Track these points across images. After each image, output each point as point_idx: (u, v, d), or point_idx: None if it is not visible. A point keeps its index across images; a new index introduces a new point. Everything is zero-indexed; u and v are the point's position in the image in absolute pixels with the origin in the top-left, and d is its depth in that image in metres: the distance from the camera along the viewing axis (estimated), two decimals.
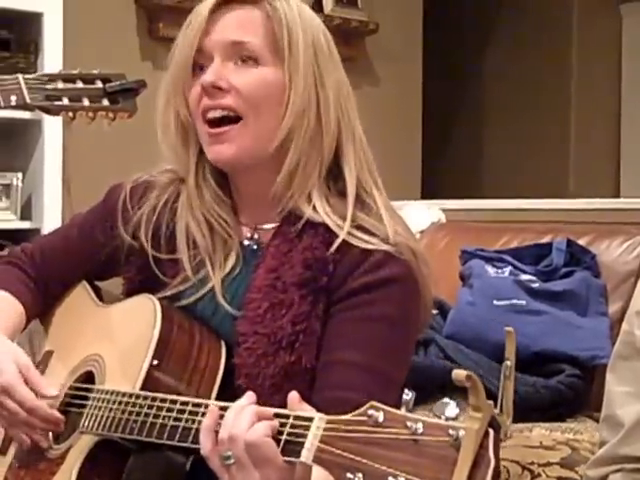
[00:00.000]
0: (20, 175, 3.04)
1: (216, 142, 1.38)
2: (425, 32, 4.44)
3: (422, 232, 2.69)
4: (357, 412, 1.04)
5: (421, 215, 2.77)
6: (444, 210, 2.90)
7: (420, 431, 0.98)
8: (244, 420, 1.13)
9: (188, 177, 1.44)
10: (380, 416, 1.02)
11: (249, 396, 1.19)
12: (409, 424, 0.99)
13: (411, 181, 4.28)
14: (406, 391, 1.04)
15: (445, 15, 4.88)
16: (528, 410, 2.05)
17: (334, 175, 1.41)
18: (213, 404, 1.20)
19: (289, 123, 1.37)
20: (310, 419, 1.08)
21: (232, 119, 1.38)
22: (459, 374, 0.94)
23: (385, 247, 1.34)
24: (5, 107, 1.67)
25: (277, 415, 1.13)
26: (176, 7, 3.48)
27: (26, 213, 3.05)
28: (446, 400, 0.99)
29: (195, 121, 1.41)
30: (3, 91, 1.65)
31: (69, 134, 3.01)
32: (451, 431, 0.96)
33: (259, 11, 1.39)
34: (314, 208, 1.38)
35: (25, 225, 3.04)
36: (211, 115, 1.38)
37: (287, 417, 1.11)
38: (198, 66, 1.40)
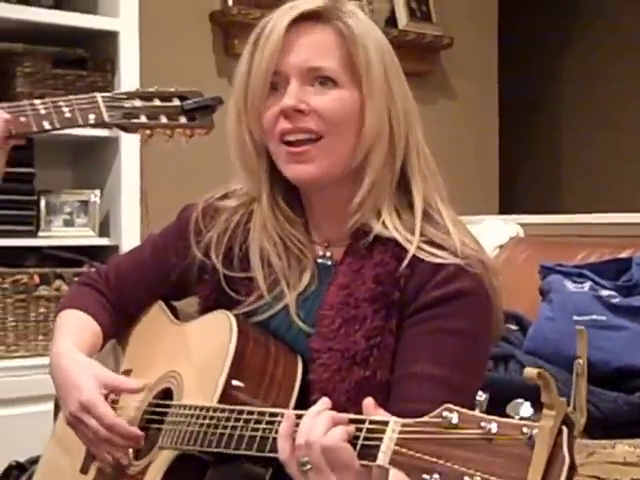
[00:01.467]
0: (98, 192, 3.08)
1: (296, 161, 1.39)
2: (500, 45, 4.40)
3: (501, 247, 2.67)
4: (432, 414, 1.06)
5: (499, 230, 2.75)
6: (522, 225, 2.87)
7: (494, 431, 1.00)
8: (320, 425, 1.15)
9: (261, 197, 1.45)
10: (454, 417, 1.04)
11: (324, 402, 1.20)
12: (483, 424, 1.01)
13: (489, 195, 4.24)
14: (480, 393, 1.06)
15: (521, 27, 4.83)
16: (611, 426, 2.03)
17: (401, 188, 1.42)
18: (288, 412, 1.22)
19: (368, 142, 1.38)
20: (385, 423, 1.10)
21: (312, 139, 1.38)
22: (530, 372, 0.95)
23: (455, 260, 1.35)
24: (84, 125, 1.69)
25: (352, 420, 1.14)
26: (251, 23, 3.44)
27: (104, 230, 3.09)
28: (520, 400, 1.00)
29: (269, 140, 1.42)
30: (82, 110, 1.68)
31: (146, 151, 3.04)
32: (525, 429, 0.97)
33: (332, 29, 1.39)
34: (383, 223, 1.39)
35: (103, 242, 3.06)
36: (291, 138, 1.39)
37: (362, 422, 1.13)
38: (271, 85, 1.40)
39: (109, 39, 3.01)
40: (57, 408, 1.77)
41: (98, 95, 1.70)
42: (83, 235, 3.06)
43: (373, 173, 1.38)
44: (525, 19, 4.77)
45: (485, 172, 4.29)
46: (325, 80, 1.38)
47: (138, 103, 1.71)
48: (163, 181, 3.31)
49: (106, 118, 1.69)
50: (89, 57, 3.05)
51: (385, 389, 1.33)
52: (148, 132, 1.71)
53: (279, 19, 1.39)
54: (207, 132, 1.73)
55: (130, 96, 1.72)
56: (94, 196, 3.07)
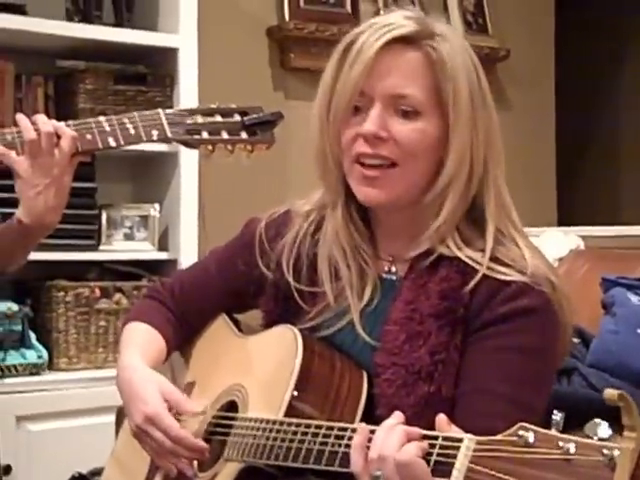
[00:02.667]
0: (157, 206, 3.10)
1: (368, 184, 1.39)
2: (557, 56, 4.37)
3: (561, 259, 2.65)
4: (507, 432, 1.05)
5: (559, 242, 2.72)
6: (582, 237, 2.84)
7: (572, 451, 0.98)
8: (394, 440, 1.15)
9: (336, 206, 1.45)
10: (530, 436, 1.02)
11: (397, 416, 1.20)
12: (561, 444, 0.99)
13: (546, 207, 4.20)
14: (555, 411, 1.05)
15: (578, 37, 4.79)
16: None
17: (474, 213, 1.42)
18: (361, 425, 1.22)
19: (450, 174, 1.38)
20: (460, 440, 1.09)
21: (386, 165, 1.39)
22: (611, 394, 0.95)
23: (522, 278, 1.34)
24: (147, 142, 1.71)
25: (425, 436, 1.14)
26: (306, 38, 3.53)
27: (163, 244, 3.11)
28: (598, 420, 0.99)
29: (344, 156, 1.42)
30: (145, 126, 1.70)
31: (205, 166, 3.06)
32: (605, 451, 0.96)
33: (422, 55, 1.38)
34: (447, 247, 1.39)
35: (162, 256, 3.08)
36: (367, 162, 1.39)
37: (435, 438, 1.13)
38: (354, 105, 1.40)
39: (169, 55, 3.05)
40: (119, 420, 1.80)
41: (161, 111, 1.72)
42: (142, 249, 3.09)
43: (452, 204, 1.38)
44: (582, 29, 4.73)
45: (543, 183, 4.25)
46: (408, 110, 1.37)
47: (200, 119, 1.73)
48: (221, 195, 3.33)
49: (169, 134, 1.71)
50: (149, 73, 3.08)
51: (450, 404, 1.33)
52: (210, 148, 1.73)
53: (370, 37, 1.37)
54: (268, 147, 1.74)
55: (192, 112, 1.74)
56: (154, 210, 3.10)
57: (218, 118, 1.73)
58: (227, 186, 3.35)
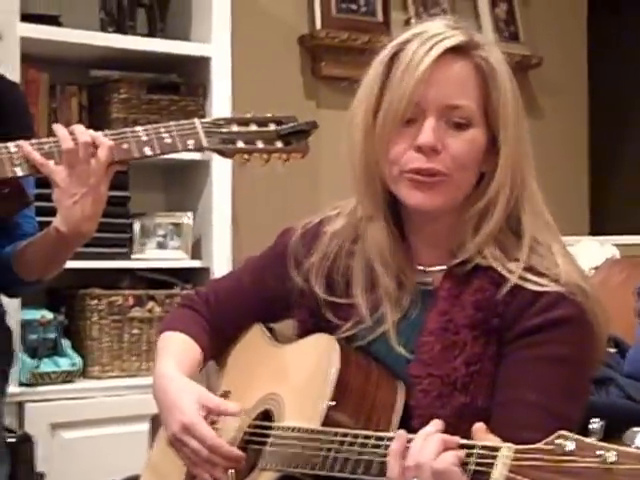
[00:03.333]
0: (190, 214, 3.11)
1: (418, 189, 1.38)
2: (590, 63, 4.34)
3: (596, 268, 2.63)
4: (545, 441, 1.04)
5: (595, 251, 2.71)
6: (617, 245, 2.82)
7: (613, 460, 0.97)
8: (431, 448, 1.15)
9: (377, 216, 1.45)
10: (569, 445, 1.01)
11: (436, 423, 1.20)
12: (600, 453, 0.98)
13: (579, 215, 4.18)
14: (593, 419, 1.04)
15: (610, 44, 4.77)
16: None
17: (510, 222, 1.41)
18: (399, 432, 1.21)
19: (499, 183, 1.38)
20: (497, 449, 1.09)
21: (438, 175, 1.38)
22: None
23: (557, 288, 1.34)
24: (183, 151, 1.72)
25: (463, 445, 1.14)
26: (338, 46, 3.54)
27: (196, 252, 3.12)
28: (636, 429, 0.99)
29: (391, 168, 1.40)
30: (181, 135, 1.71)
31: (237, 174, 3.07)
32: None
33: (473, 65, 1.38)
34: (484, 257, 1.39)
35: (195, 264, 3.09)
36: (419, 178, 1.37)
37: (472, 447, 1.12)
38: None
39: (202, 64, 3.06)
40: (153, 428, 1.80)
41: (197, 121, 1.73)
42: (176, 257, 3.10)
43: (497, 215, 1.38)
44: (615, 35, 4.70)
45: (575, 191, 4.23)
46: (461, 122, 1.37)
47: (235, 128, 1.73)
48: (253, 204, 3.34)
49: (204, 143, 1.72)
50: (181, 82, 3.10)
51: (485, 415, 1.32)
52: (246, 157, 1.74)
53: (420, 48, 1.36)
54: (303, 156, 1.74)
55: (228, 121, 1.74)
56: (187, 219, 3.11)
57: (253, 127, 1.73)
58: (259, 194, 3.36)
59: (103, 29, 3.01)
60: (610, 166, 4.84)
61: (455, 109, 1.37)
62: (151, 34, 3.06)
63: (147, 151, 1.70)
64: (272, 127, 1.74)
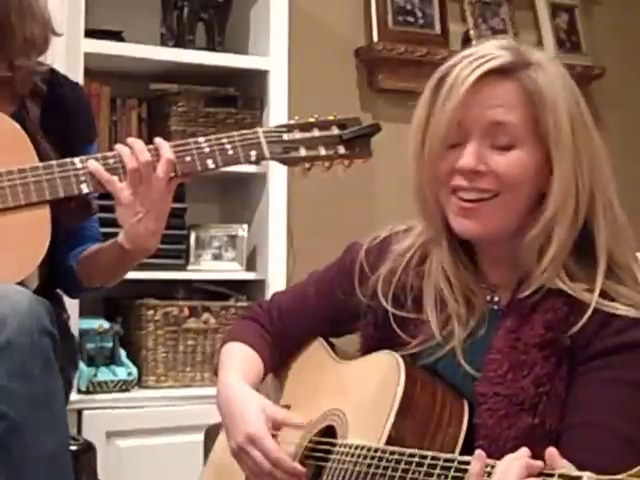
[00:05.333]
0: (246, 226, 3.12)
1: (464, 216, 1.37)
2: None
3: None
4: (631, 472, 1.01)
5: None
6: None
7: None
8: (513, 471, 1.13)
9: (441, 241, 1.44)
10: None
11: (524, 452, 1.17)
12: None
13: None
14: None
15: None
16: None
17: (583, 241, 1.38)
18: (476, 455, 1.19)
19: (555, 205, 1.35)
20: (578, 478, 1.07)
21: (486, 197, 1.37)
22: None
23: (631, 311, 1.32)
24: (245, 162, 1.72)
25: (541, 474, 1.11)
26: (395, 59, 3.53)
27: (251, 264, 3.12)
28: None
29: (440, 188, 1.40)
30: (244, 146, 1.70)
31: (293, 185, 3.07)
32: None
33: (518, 85, 1.36)
34: (553, 283, 1.36)
35: (250, 276, 3.10)
36: (465, 196, 1.37)
37: (551, 475, 1.10)
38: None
39: (259, 78, 3.07)
40: (208, 439, 1.80)
41: (260, 130, 1.72)
42: (231, 269, 3.11)
43: (559, 238, 1.35)
44: None
45: (638, 205, 4.16)
46: (505, 142, 1.35)
47: (298, 135, 1.72)
48: (308, 216, 3.33)
49: (267, 154, 1.72)
50: (239, 95, 3.11)
51: (554, 438, 1.30)
52: (307, 165, 1.73)
53: (464, 70, 1.35)
54: (365, 160, 1.73)
55: (290, 128, 1.73)
56: (242, 231, 3.12)
57: (316, 132, 1.73)
58: (315, 207, 3.36)
59: (163, 43, 3.04)
60: None
61: (498, 126, 1.35)
62: (210, 48, 3.07)
63: (210, 164, 1.70)
64: (335, 131, 1.73)
